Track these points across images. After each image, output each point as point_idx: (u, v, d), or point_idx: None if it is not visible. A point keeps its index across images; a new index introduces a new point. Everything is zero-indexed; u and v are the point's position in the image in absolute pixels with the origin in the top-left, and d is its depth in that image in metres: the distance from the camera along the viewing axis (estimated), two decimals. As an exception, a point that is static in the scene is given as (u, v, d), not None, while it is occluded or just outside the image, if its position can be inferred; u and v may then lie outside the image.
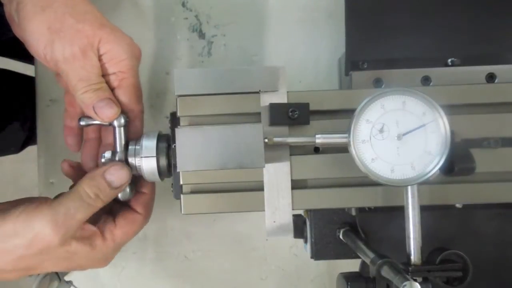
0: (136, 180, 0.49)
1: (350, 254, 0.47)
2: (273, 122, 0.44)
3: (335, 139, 0.42)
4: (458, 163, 0.42)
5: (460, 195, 0.45)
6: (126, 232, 0.47)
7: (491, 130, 0.45)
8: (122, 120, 0.47)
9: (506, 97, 0.45)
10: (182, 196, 0.45)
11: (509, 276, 0.47)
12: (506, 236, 0.47)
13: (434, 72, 0.48)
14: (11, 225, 0.42)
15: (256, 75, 0.44)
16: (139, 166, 0.46)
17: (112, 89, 0.47)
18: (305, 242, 0.50)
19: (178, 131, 0.42)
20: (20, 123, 0.76)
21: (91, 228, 0.45)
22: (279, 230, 0.44)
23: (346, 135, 0.41)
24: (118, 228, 0.47)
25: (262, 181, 0.44)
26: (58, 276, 0.54)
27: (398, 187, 0.41)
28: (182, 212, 0.45)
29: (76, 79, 0.45)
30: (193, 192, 0.45)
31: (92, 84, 0.45)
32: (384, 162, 0.40)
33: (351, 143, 0.40)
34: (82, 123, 0.47)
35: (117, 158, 0.46)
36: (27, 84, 0.67)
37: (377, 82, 0.48)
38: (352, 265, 0.46)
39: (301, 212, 0.50)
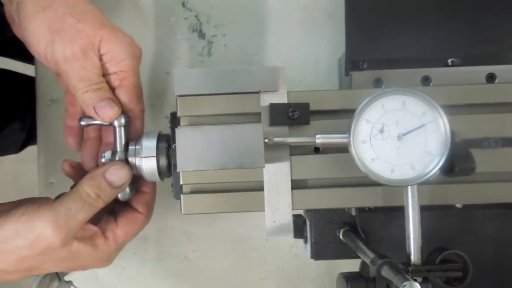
0: (137, 179, 0.49)
1: (350, 254, 0.47)
2: (273, 122, 0.44)
3: (335, 139, 0.42)
4: (458, 163, 0.42)
5: (460, 195, 0.45)
6: (128, 231, 0.47)
7: (491, 130, 0.45)
8: (123, 120, 0.47)
9: (506, 97, 0.45)
10: (182, 196, 0.45)
11: (509, 276, 0.47)
12: (506, 236, 0.47)
13: (434, 72, 0.48)
14: (12, 226, 0.42)
15: (256, 75, 0.44)
16: (139, 166, 0.46)
17: (112, 89, 0.47)
18: (305, 242, 0.50)
19: (178, 131, 0.42)
20: (20, 123, 0.76)
21: (93, 228, 0.45)
22: (279, 230, 0.44)
23: (346, 135, 0.41)
24: (120, 228, 0.47)
25: (262, 181, 0.44)
26: (58, 276, 0.54)
27: (398, 187, 0.41)
28: (182, 212, 0.45)
29: (76, 79, 0.45)
30: (193, 192, 0.45)
31: (93, 84, 0.45)
32: (384, 162, 0.40)
33: (351, 143, 0.40)
34: (82, 123, 0.47)
35: (117, 158, 0.47)
36: (27, 84, 0.67)
37: (377, 82, 0.48)
38: (352, 265, 0.46)
39: (301, 212, 0.50)
